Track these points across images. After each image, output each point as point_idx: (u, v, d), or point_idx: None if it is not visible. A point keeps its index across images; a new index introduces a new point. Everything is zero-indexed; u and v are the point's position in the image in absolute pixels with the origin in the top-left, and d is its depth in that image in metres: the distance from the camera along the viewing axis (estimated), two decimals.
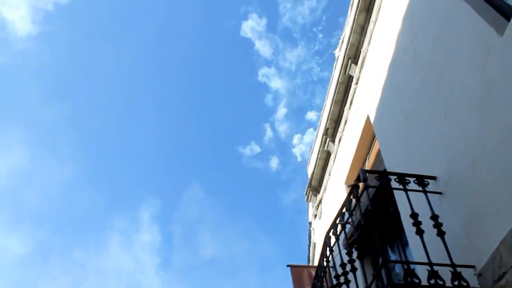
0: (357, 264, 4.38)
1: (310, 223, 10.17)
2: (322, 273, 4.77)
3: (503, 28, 3.51)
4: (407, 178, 4.25)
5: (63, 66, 33.72)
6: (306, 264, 10.21)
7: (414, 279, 3.49)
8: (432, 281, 3.50)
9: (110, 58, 34.29)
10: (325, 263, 4.74)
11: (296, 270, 7.59)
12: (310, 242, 10.36)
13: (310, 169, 9.83)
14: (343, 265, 4.31)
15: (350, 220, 4.43)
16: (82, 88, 34.49)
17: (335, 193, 8.29)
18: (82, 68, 34.03)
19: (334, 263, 4.69)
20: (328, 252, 4.68)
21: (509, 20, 3.49)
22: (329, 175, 8.86)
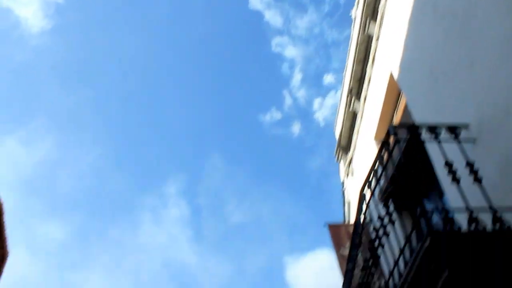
0: (394, 217, 4.39)
1: (343, 183, 10.17)
2: (360, 229, 4.79)
3: None
4: (437, 128, 4.19)
5: (79, 55, 34.02)
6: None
7: (454, 226, 3.49)
8: (472, 227, 3.49)
9: (125, 42, 34.35)
10: (362, 219, 4.76)
11: (334, 229, 7.66)
12: (344, 201, 10.39)
13: (337, 130, 9.77)
14: (380, 219, 4.32)
15: (383, 174, 4.42)
16: (100, 74, 34.84)
17: (365, 150, 8.24)
18: (98, 54, 34.24)
19: (371, 218, 4.71)
20: (364, 208, 4.69)
21: None
22: (357, 133, 8.80)
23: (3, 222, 16.46)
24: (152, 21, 33.01)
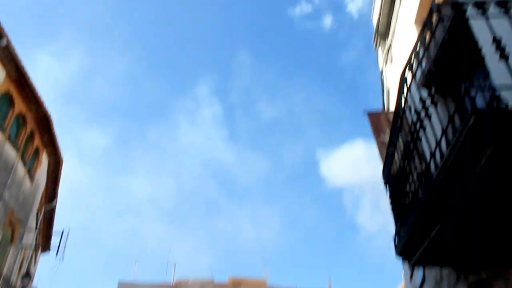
0: (436, 99, 4.27)
1: (381, 71, 9.90)
2: (401, 112, 4.72)
3: None
4: (485, 3, 3.90)
5: None
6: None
7: (500, 103, 3.36)
8: None
9: None
10: (403, 101, 4.66)
11: (373, 116, 7.59)
12: (383, 89, 10.18)
13: (375, 16, 9.32)
14: (422, 101, 4.21)
15: (425, 56, 4.23)
16: None
17: (405, 35, 7.88)
18: None
19: (413, 102, 4.60)
20: (405, 90, 4.57)
21: None
22: (396, 18, 8.37)
23: (54, 132, 17.21)
24: None
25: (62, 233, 18.08)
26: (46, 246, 22.72)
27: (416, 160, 4.63)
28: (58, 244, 18.01)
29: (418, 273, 8.72)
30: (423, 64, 4.41)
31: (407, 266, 10.31)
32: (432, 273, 7.30)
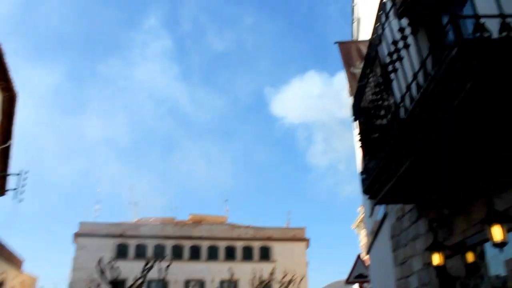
0: (415, 30, 4.14)
1: None
2: (377, 41, 4.56)
3: None
4: None
5: None
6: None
7: (485, 33, 3.25)
8: (504, 33, 3.26)
9: None
10: (380, 30, 4.50)
11: (344, 46, 7.41)
12: (353, 18, 9.96)
13: None
14: (401, 29, 4.06)
15: None
16: None
17: None
18: None
19: (391, 31, 4.44)
20: (384, 18, 4.40)
21: None
22: None
23: (6, 64, 16.10)
24: None
25: (19, 174, 17.58)
26: (2, 189, 22.08)
27: (390, 94, 4.55)
28: (15, 187, 17.55)
29: (379, 210, 8.99)
30: None
31: (368, 203, 10.62)
32: (394, 209, 7.53)
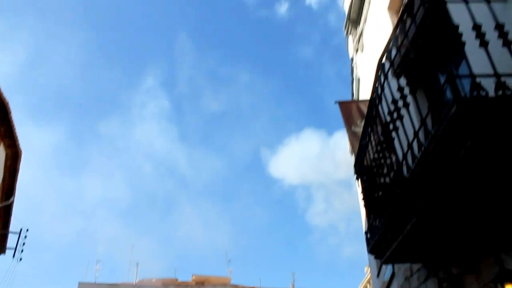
0: (414, 89, 4.28)
1: (352, 59, 9.96)
2: (377, 100, 4.71)
3: None
4: None
5: None
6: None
7: (481, 91, 3.38)
8: (500, 92, 3.39)
9: None
10: (379, 90, 4.65)
11: (345, 105, 7.60)
12: (353, 77, 10.25)
13: (346, 2, 9.33)
14: (400, 89, 4.21)
15: (404, 42, 4.22)
16: None
17: (377, 22, 7.92)
18: None
19: (390, 90, 4.60)
20: (383, 78, 4.56)
21: None
22: (369, 4, 8.40)
23: (12, 121, 16.43)
24: None
25: (20, 233, 17.54)
26: (2, 247, 21.84)
27: (392, 152, 4.64)
28: (15, 245, 17.47)
29: (387, 270, 8.86)
30: (401, 51, 4.41)
31: (374, 262, 10.47)
32: (402, 269, 7.42)
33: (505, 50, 3.61)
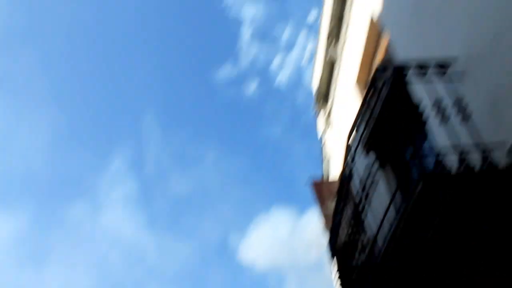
0: (381, 167, 4.34)
1: (322, 136, 10.14)
2: (347, 179, 4.74)
3: None
4: (424, 65, 4.11)
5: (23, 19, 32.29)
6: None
7: (445, 168, 3.44)
8: (462, 168, 3.45)
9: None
10: (349, 169, 4.70)
11: (317, 185, 7.62)
12: (323, 155, 10.38)
13: (315, 80, 9.66)
14: (369, 166, 4.26)
15: (370, 120, 4.34)
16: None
17: (345, 99, 8.18)
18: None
19: (357, 168, 4.65)
20: (350, 156, 4.63)
21: None
22: (336, 83, 8.70)
23: None
24: None
25: None
26: None
27: (364, 231, 4.61)
28: None
29: None
30: (368, 129, 4.52)
31: None
32: None
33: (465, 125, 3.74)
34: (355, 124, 4.51)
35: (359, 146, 4.63)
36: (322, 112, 9.75)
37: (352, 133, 4.62)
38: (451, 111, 3.81)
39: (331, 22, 7.97)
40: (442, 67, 4.05)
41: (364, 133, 4.47)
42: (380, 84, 4.17)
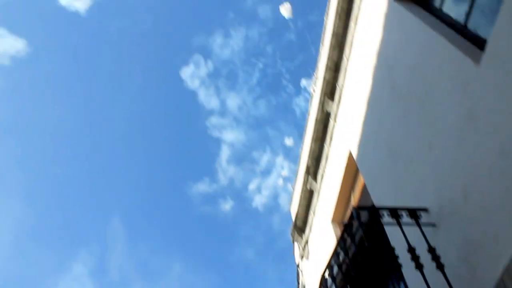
0: None
1: (298, 265, 10.11)
2: None
3: (479, 58, 3.70)
4: (399, 211, 4.30)
5: None
6: None
7: None
8: None
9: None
10: None
11: None
12: (298, 284, 10.26)
13: (293, 209, 9.86)
14: None
15: (345, 259, 4.45)
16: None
17: (322, 231, 8.31)
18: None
19: None
20: None
21: (482, 50, 3.69)
22: (314, 213, 8.90)
23: None
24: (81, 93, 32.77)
25: None
26: None
27: None
28: None
29: None
30: (343, 267, 4.61)
31: None
32: None
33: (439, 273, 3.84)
34: (330, 262, 4.61)
35: (334, 284, 4.68)
36: (298, 241, 9.82)
37: (326, 270, 4.70)
38: (424, 258, 3.93)
39: (309, 157, 8.37)
40: (415, 216, 4.26)
41: (339, 271, 4.56)
42: (355, 226, 4.35)
